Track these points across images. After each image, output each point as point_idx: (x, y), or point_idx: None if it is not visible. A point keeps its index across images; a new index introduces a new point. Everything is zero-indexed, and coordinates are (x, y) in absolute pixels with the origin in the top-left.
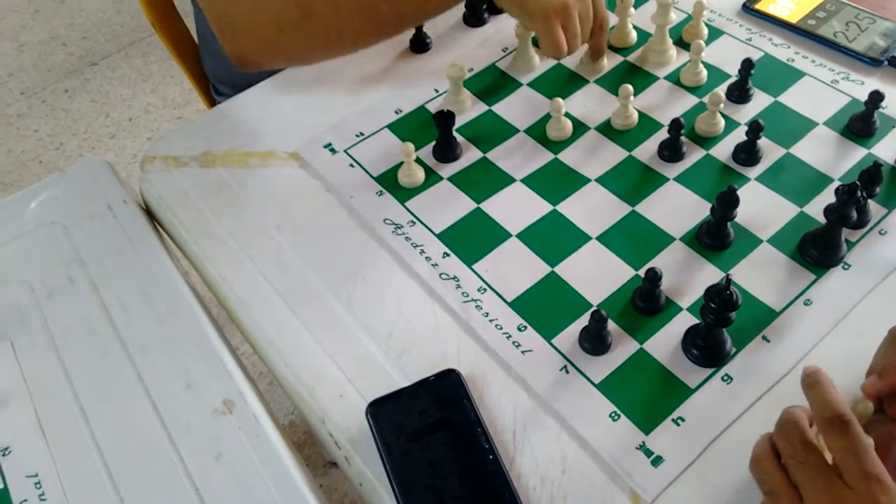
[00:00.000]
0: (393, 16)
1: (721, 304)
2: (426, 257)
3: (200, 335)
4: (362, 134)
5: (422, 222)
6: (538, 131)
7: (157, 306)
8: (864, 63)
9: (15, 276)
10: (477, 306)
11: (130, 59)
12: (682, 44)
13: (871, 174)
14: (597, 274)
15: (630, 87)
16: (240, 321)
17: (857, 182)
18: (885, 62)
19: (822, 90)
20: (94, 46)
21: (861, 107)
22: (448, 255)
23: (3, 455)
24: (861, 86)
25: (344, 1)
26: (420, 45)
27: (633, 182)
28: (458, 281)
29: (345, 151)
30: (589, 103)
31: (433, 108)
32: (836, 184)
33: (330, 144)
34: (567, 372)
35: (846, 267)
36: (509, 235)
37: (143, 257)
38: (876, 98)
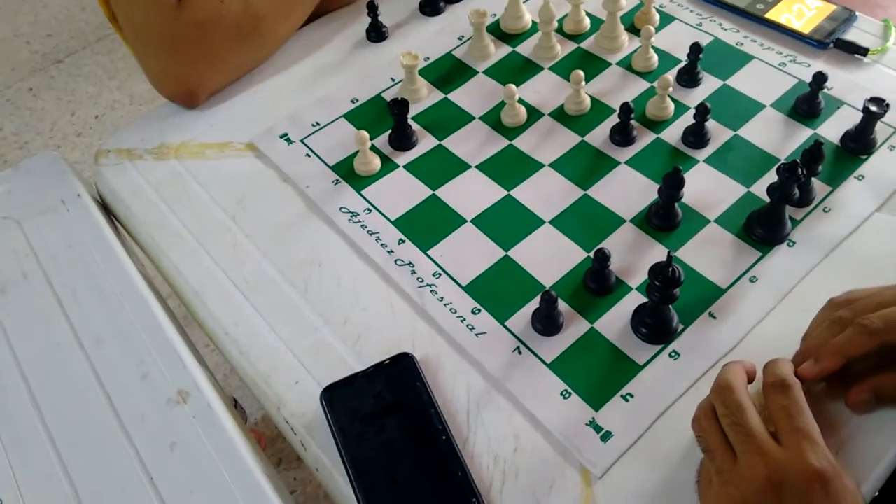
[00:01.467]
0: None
1: (664, 281)
2: (382, 244)
3: (155, 327)
4: (318, 124)
5: (378, 210)
6: (493, 118)
7: (111, 299)
8: (811, 46)
9: None
10: (432, 291)
11: (96, 56)
12: (633, 30)
13: (812, 153)
14: (549, 256)
15: (581, 73)
16: (196, 313)
17: (798, 161)
18: (831, 45)
19: (770, 73)
20: (58, 44)
21: (807, 88)
22: (403, 241)
23: None
24: (808, 68)
25: None
26: (376, 34)
27: (585, 166)
28: (413, 266)
29: (301, 141)
30: (543, 89)
31: (389, 96)
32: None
33: (286, 135)
34: (520, 353)
35: (791, 244)
36: (464, 221)
37: (97, 251)
38: (820, 79)
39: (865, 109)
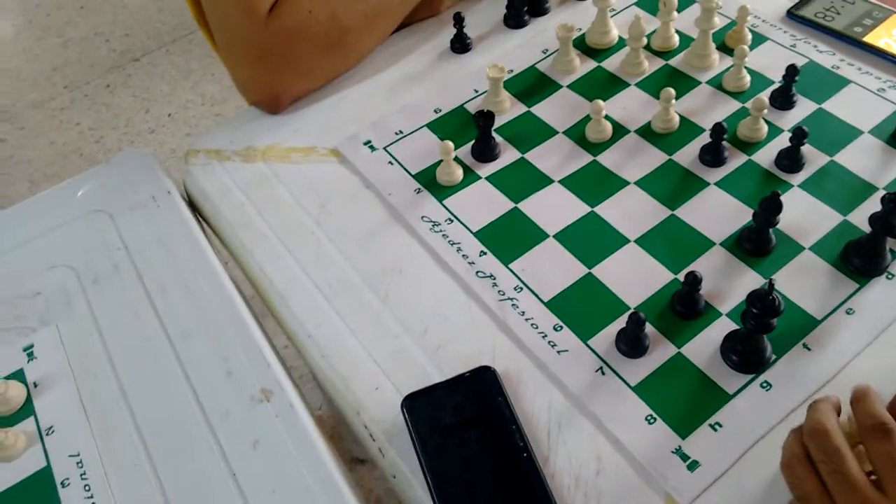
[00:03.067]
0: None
1: (763, 309)
2: (463, 255)
3: (241, 325)
4: (401, 132)
5: (459, 220)
6: (577, 133)
7: (198, 295)
8: None
9: (62, 262)
10: (513, 305)
11: (171, 56)
12: (725, 49)
13: None
14: (634, 276)
15: (672, 91)
16: (278, 313)
17: None
18: None
19: (868, 98)
20: (135, 43)
21: None
22: (485, 253)
23: (47, 434)
24: None
25: (369, 7)
26: (460, 45)
27: (672, 186)
28: (494, 279)
29: (384, 149)
30: (629, 106)
31: (472, 108)
32: (881, 193)
33: (369, 142)
34: (603, 373)
35: (890, 277)
36: (546, 236)
37: (185, 247)
38: None
39: None
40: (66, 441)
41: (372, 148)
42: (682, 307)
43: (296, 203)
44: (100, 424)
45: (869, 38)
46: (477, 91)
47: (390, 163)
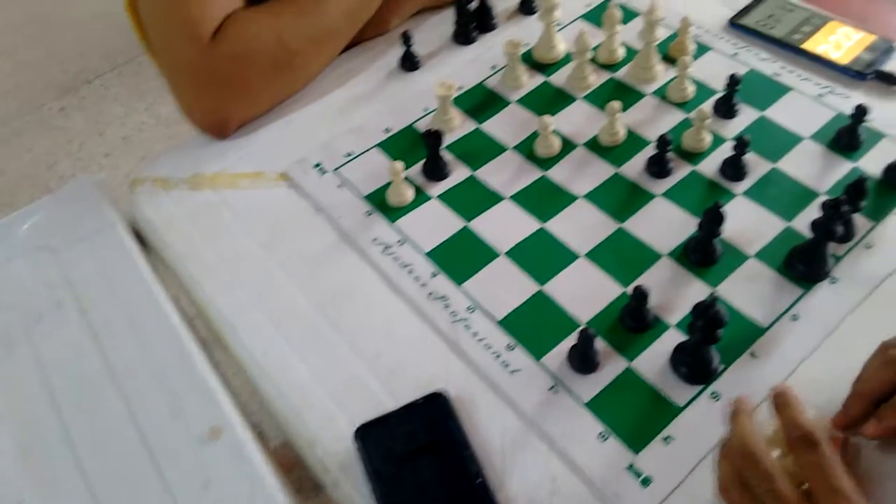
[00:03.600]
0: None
1: (707, 321)
2: (415, 277)
3: (187, 361)
4: (351, 154)
5: (411, 242)
6: (527, 148)
7: (144, 331)
8: (849, 77)
9: (3, 301)
10: (465, 326)
11: (124, 77)
12: (669, 60)
13: (856, 188)
14: (585, 292)
15: (618, 104)
16: (228, 344)
17: (843, 196)
18: (871, 75)
19: (808, 104)
20: (89, 65)
21: (847, 120)
22: (436, 274)
23: None
24: (846, 99)
25: (316, 29)
26: (409, 63)
27: (620, 199)
28: (446, 300)
29: (334, 171)
30: (577, 120)
31: (423, 126)
32: (823, 198)
33: (319, 164)
34: (556, 392)
35: (833, 281)
36: (498, 254)
37: (131, 281)
38: (861, 112)
39: None
40: (7, 488)
41: (322, 171)
42: (632, 321)
43: (245, 230)
44: (43, 470)
45: (808, 45)
46: (427, 109)
47: (340, 185)
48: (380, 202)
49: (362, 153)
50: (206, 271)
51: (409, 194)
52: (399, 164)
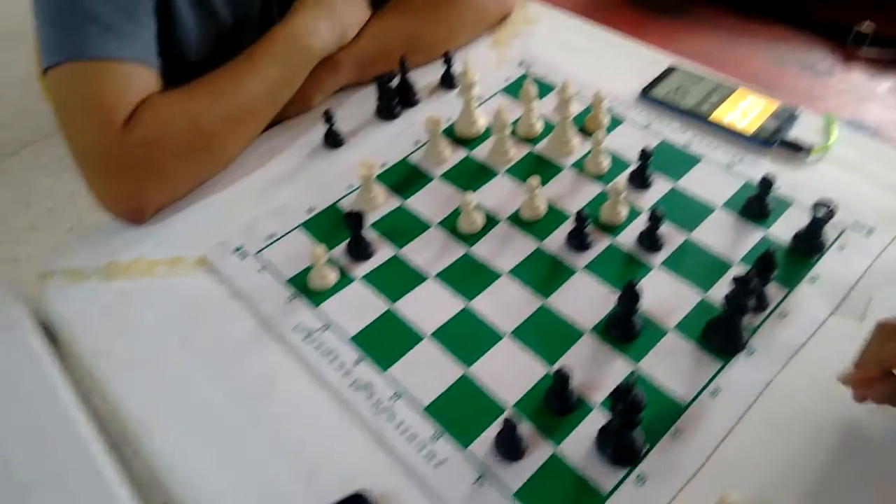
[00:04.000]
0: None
1: (627, 406)
2: (338, 365)
3: (95, 471)
4: (273, 235)
5: (334, 326)
6: (451, 224)
7: (49, 438)
8: (756, 145)
9: None
10: (390, 416)
11: (53, 147)
12: (585, 132)
13: (765, 261)
14: (511, 372)
15: (536, 180)
16: (140, 446)
17: (752, 271)
18: (776, 143)
19: (719, 174)
20: (15, 135)
21: (755, 189)
22: (360, 360)
23: None
24: (755, 167)
25: (234, 110)
26: (333, 141)
27: (543, 274)
28: (370, 389)
29: (255, 254)
30: (499, 194)
31: (347, 204)
32: (737, 267)
33: (240, 248)
34: (482, 484)
35: (750, 353)
36: (422, 337)
37: (35, 383)
38: (767, 183)
39: (813, 213)
40: None
41: (242, 254)
42: (556, 403)
43: (160, 322)
44: None
45: (715, 116)
46: (351, 187)
47: (262, 269)
48: (302, 286)
49: (285, 234)
50: (119, 369)
51: (332, 277)
52: (320, 249)
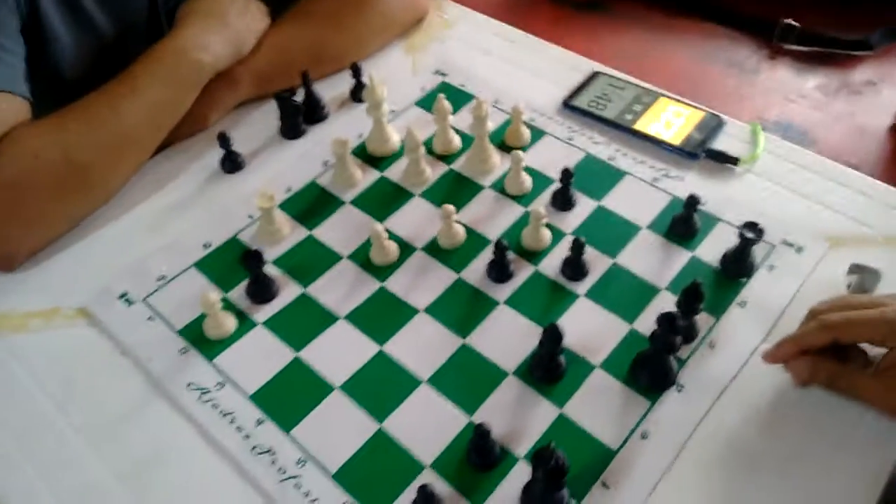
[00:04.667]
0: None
1: (548, 472)
2: (237, 427)
3: None
4: (165, 277)
5: (232, 382)
6: (363, 256)
7: None
8: (682, 157)
9: None
10: (296, 485)
11: None
12: (505, 148)
13: (691, 293)
14: (429, 425)
15: (451, 207)
16: None
17: (677, 310)
18: (703, 155)
19: (644, 190)
20: None
21: (682, 206)
22: (262, 421)
23: None
24: (681, 182)
25: (112, 138)
26: (231, 165)
27: (463, 310)
28: (273, 455)
29: (143, 301)
30: (415, 220)
31: (248, 236)
32: (664, 294)
33: (126, 294)
34: None
35: (680, 389)
36: (332, 388)
37: None
38: (693, 202)
39: (741, 236)
40: None
41: (129, 301)
42: (478, 458)
43: (35, 385)
44: None
45: (639, 125)
46: (252, 217)
47: (151, 318)
48: (197, 336)
49: (177, 275)
50: None
51: (230, 325)
52: (213, 296)
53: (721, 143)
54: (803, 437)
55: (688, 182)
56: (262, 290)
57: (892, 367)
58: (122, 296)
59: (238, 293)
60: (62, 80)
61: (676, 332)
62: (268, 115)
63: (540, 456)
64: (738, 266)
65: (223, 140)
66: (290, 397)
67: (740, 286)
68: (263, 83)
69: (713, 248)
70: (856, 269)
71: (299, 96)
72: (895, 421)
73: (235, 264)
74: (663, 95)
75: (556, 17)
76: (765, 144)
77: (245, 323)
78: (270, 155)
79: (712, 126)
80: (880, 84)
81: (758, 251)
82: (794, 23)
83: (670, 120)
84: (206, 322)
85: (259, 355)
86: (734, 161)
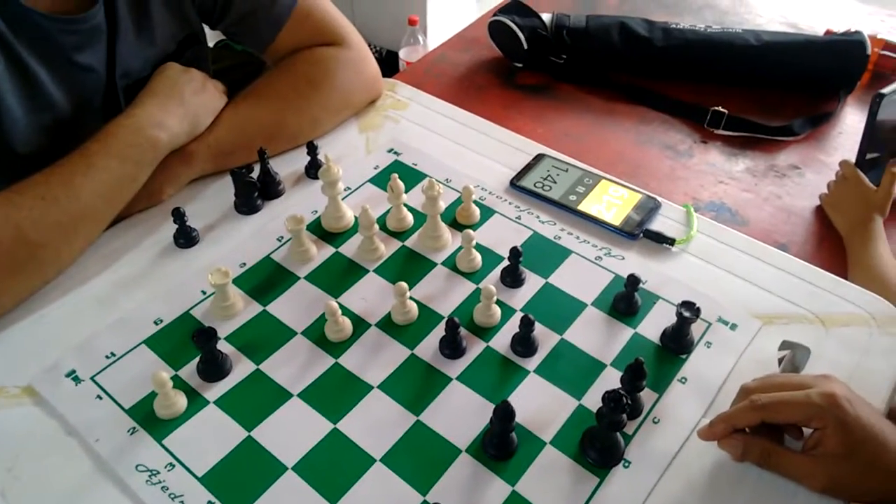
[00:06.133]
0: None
1: None
2: None
3: None
4: (113, 354)
5: (182, 464)
6: (317, 332)
7: None
8: (622, 237)
9: None
10: None
11: None
12: (457, 225)
13: (634, 371)
14: None
15: (404, 286)
16: None
17: (621, 387)
18: (641, 235)
19: (588, 268)
20: None
21: (623, 284)
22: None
23: None
24: (622, 261)
25: (66, 216)
26: (185, 240)
27: (416, 386)
28: None
29: (91, 379)
30: (369, 296)
31: (200, 312)
32: (609, 370)
33: (73, 372)
34: None
35: (627, 465)
36: (285, 469)
37: None
38: (633, 281)
39: (679, 315)
40: None
41: (76, 380)
42: None
43: None
44: None
45: (583, 206)
46: (205, 293)
47: (99, 397)
48: (146, 415)
49: (127, 353)
50: None
51: (181, 404)
52: (164, 375)
53: (658, 224)
54: None
55: (628, 261)
56: (214, 369)
57: (817, 446)
58: (70, 374)
59: (189, 370)
60: (15, 155)
61: (622, 409)
62: (223, 190)
63: None
64: (677, 343)
65: (177, 215)
66: (241, 478)
67: (681, 362)
68: (220, 159)
69: (654, 324)
70: (787, 345)
71: (255, 172)
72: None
73: (187, 340)
74: (604, 178)
75: (505, 100)
76: (698, 225)
77: (196, 401)
78: (225, 230)
79: (649, 207)
80: (804, 168)
81: (695, 329)
82: (722, 109)
83: (611, 201)
84: (156, 401)
85: (210, 435)
86: (671, 241)
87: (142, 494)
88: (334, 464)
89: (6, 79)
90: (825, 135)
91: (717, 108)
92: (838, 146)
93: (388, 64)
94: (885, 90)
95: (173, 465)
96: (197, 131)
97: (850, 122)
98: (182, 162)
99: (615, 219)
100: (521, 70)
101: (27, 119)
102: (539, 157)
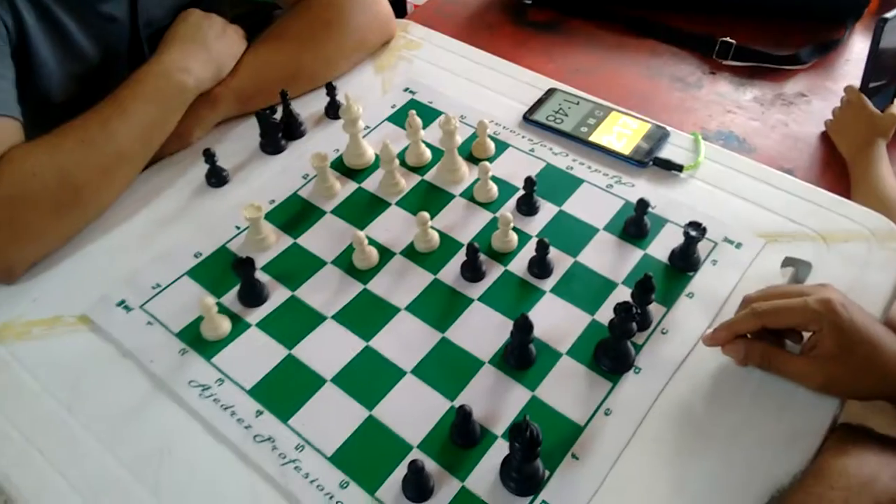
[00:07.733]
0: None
1: (524, 443)
2: (238, 419)
3: None
4: (159, 285)
5: (231, 379)
6: (345, 261)
7: None
8: (632, 165)
9: None
10: (296, 468)
11: None
12: (473, 160)
13: (644, 285)
14: (415, 411)
15: (426, 215)
16: None
17: (632, 301)
18: (651, 163)
19: (599, 196)
20: None
21: (633, 209)
22: (261, 412)
23: None
24: (632, 188)
25: (105, 157)
26: (217, 180)
27: (441, 307)
28: (273, 442)
29: (141, 307)
30: (392, 227)
31: (236, 246)
32: (620, 288)
33: (124, 302)
34: None
35: (637, 371)
36: (324, 381)
37: None
38: (643, 205)
39: (686, 234)
40: None
41: (127, 308)
42: (460, 438)
43: (42, 388)
44: None
45: (594, 137)
46: (239, 228)
47: (149, 323)
48: (194, 338)
49: (171, 283)
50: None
51: (226, 327)
52: (210, 300)
53: (667, 152)
54: (747, 409)
55: (638, 188)
56: (252, 295)
57: (814, 348)
58: (121, 303)
59: (230, 298)
60: (50, 103)
61: (632, 318)
62: (249, 132)
63: (516, 428)
64: (684, 261)
65: (208, 156)
66: (285, 391)
67: (688, 279)
68: (243, 102)
69: (662, 246)
70: (790, 262)
71: (278, 114)
72: (820, 394)
73: (226, 272)
74: (614, 110)
75: (515, 38)
76: (705, 152)
77: (239, 325)
78: (253, 169)
79: (658, 136)
80: (811, 95)
81: (702, 248)
82: (731, 40)
83: (621, 132)
84: (202, 325)
85: (254, 354)
86: (679, 168)
87: (197, 407)
88: (369, 376)
89: (38, 32)
90: (832, 63)
91: (725, 38)
92: (845, 73)
93: (395, 7)
94: (889, 15)
95: (223, 381)
96: (221, 75)
97: (858, 50)
98: (208, 105)
99: (625, 148)
100: (531, 6)
101: (60, 69)
102: (550, 92)
